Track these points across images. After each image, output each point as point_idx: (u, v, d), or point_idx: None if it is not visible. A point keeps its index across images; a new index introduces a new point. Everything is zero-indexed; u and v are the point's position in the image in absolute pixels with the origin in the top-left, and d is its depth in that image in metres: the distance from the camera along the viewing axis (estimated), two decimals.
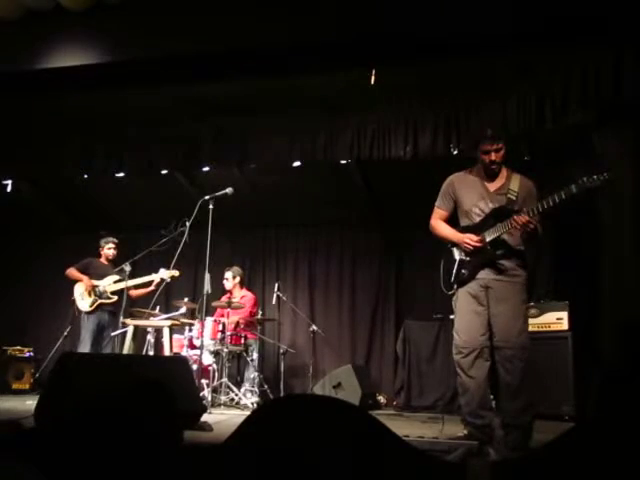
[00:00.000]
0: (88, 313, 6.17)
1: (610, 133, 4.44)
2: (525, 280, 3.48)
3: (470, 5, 3.88)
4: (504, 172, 3.60)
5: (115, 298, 6.17)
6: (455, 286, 3.58)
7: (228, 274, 6.94)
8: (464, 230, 3.60)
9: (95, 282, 6.27)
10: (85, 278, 6.27)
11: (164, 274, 6.14)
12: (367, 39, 4.08)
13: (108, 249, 6.47)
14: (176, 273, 6.19)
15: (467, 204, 3.61)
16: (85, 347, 6.05)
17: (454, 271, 3.61)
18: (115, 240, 6.53)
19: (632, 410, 1.56)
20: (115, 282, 6.22)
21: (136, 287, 6.32)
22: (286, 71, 4.60)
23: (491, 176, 3.59)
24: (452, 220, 3.74)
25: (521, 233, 3.42)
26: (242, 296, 6.85)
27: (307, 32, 4.13)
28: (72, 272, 6.36)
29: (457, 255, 3.62)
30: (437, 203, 3.76)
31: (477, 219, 3.56)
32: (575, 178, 3.18)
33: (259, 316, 6.75)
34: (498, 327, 3.39)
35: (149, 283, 6.24)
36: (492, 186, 3.58)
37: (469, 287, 3.50)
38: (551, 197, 3.23)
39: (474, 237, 3.49)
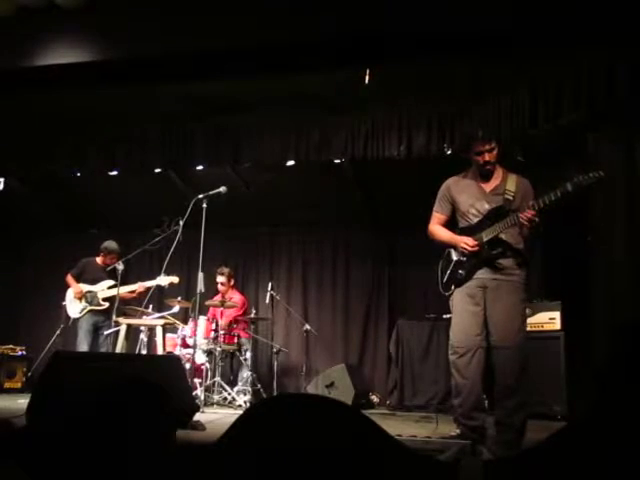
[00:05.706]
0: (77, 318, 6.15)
1: (603, 134, 4.46)
2: (524, 279, 3.47)
3: (470, 4, 3.88)
4: (499, 172, 3.61)
5: (106, 305, 6.12)
6: (453, 287, 3.58)
7: (222, 278, 6.87)
8: (462, 231, 3.61)
9: (87, 288, 6.23)
10: (76, 286, 6.24)
11: (162, 280, 6.07)
12: (367, 38, 4.07)
13: (110, 259, 6.27)
14: (175, 280, 6.15)
15: (464, 206, 3.61)
16: (83, 347, 6.04)
17: (448, 272, 3.62)
18: (119, 253, 6.34)
19: (624, 409, 1.57)
20: (109, 288, 6.17)
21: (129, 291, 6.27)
22: (285, 70, 4.59)
23: (486, 176, 3.59)
24: (451, 223, 3.74)
25: (528, 228, 3.38)
26: (230, 298, 6.77)
27: (307, 31, 4.12)
28: (68, 279, 6.33)
29: (455, 256, 3.62)
30: (435, 208, 3.76)
31: (474, 220, 3.56)
32: (569, 178, 3.20)
33: (252, 315, 6.74)
34: (495, 326, 3.39)
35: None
36: (488, 187, 3.59)
37: (466, 287, 3.50)
38: (547, 195, 3.24)
39: (470, 241, 3.49)
